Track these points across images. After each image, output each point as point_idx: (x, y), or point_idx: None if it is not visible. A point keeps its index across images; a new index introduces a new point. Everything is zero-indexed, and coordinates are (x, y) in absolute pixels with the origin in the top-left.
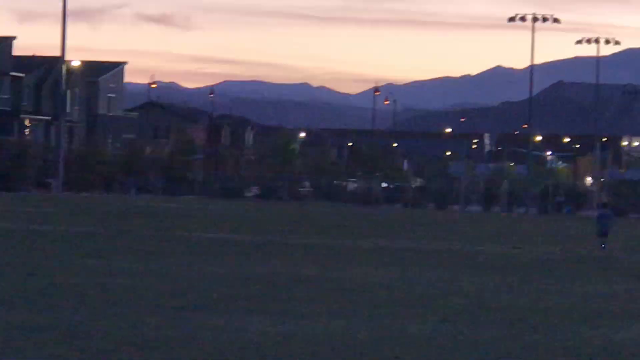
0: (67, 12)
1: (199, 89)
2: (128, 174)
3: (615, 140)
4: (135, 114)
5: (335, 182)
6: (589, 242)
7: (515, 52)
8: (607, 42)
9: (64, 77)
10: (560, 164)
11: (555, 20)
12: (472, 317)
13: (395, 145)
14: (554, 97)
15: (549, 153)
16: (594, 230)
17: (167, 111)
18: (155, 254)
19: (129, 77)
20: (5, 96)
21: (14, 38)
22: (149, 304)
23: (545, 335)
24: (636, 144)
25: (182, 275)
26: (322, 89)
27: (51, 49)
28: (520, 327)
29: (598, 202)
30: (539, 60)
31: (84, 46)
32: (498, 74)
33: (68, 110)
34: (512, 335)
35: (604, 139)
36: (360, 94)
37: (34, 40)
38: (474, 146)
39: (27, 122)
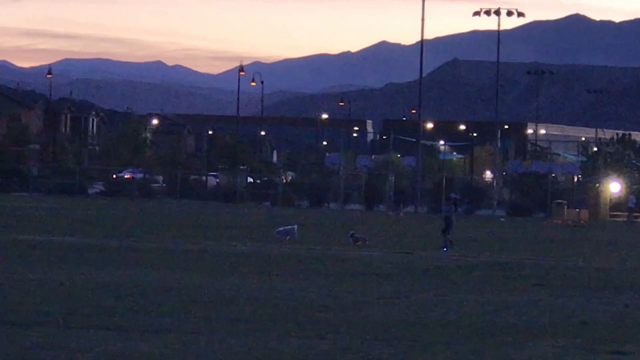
0: None
1: (34, 68)
2: None
3: (518, 128)
4: None
5: (193, 176)
6: (487, 245)
7: (402, 25)
8: (510, 13)
9: None
10: (455, 156)
11: None
12: (350, 333)
13: (263, 133)
14: (447, 78)
15: (441, 143)
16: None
17: None
18: None
19: None
20: None
21: None
22: None
23: (435, 356)
24: (543, 132)
25: (8, 285)
26: (177, 68)
27: None
28: (406, 345)
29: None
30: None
31: None
32: (383, 51)
33: None
34: (396, 354)
35: (506, 127)
36: (222, 74)
37: None
38: (354, 134)
39: None
